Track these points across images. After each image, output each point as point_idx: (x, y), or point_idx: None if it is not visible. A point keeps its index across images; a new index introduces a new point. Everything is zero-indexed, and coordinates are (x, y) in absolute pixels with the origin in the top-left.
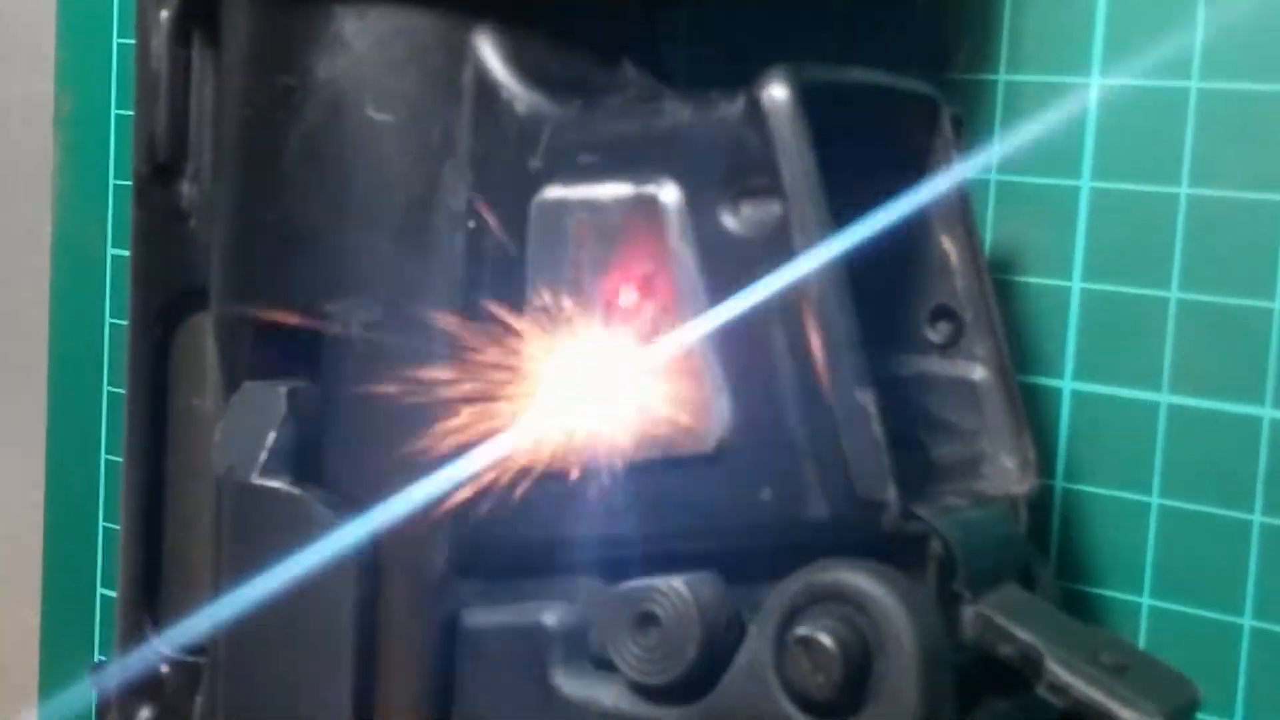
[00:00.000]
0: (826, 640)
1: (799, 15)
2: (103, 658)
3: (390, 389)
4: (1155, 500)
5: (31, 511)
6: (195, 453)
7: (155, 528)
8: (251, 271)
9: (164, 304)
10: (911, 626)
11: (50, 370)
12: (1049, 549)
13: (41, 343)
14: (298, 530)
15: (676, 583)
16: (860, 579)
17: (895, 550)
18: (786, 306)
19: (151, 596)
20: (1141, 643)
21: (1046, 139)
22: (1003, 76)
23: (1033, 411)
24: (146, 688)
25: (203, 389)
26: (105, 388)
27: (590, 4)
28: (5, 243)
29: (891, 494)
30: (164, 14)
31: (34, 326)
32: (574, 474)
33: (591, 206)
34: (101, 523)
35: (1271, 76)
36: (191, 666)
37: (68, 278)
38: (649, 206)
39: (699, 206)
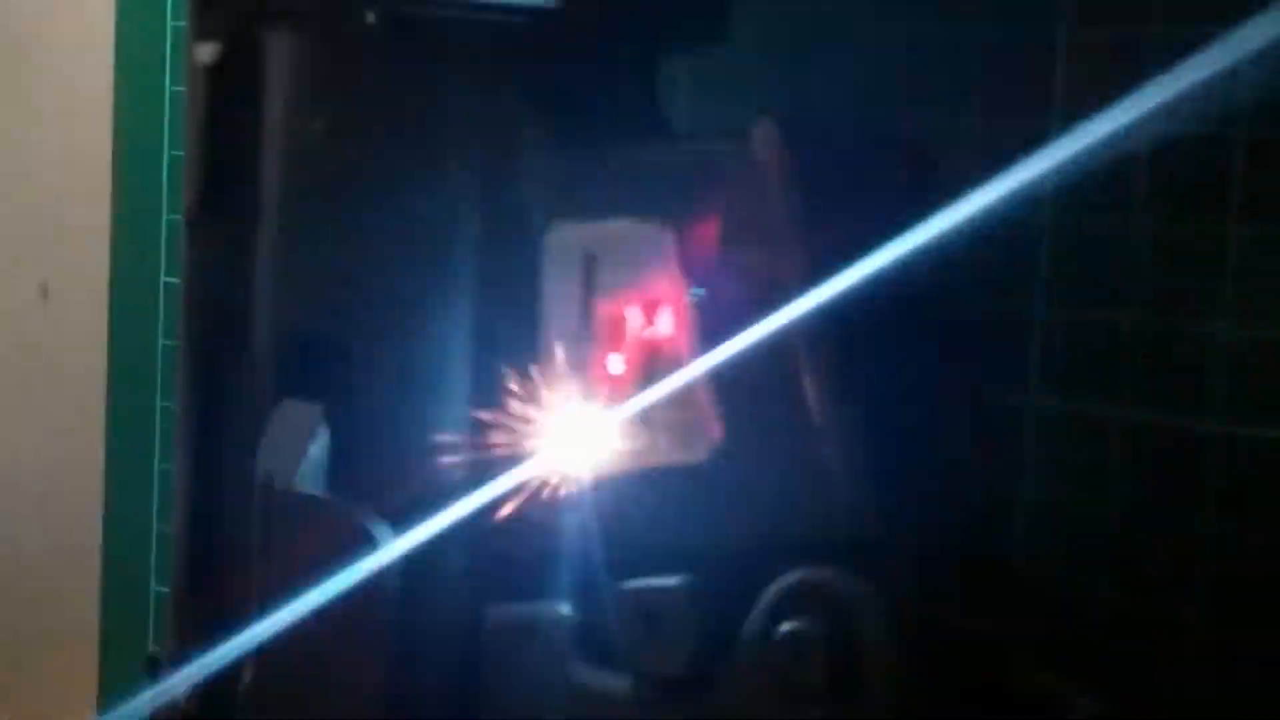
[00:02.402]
0: (811, 634)
1: (790, 65)
2: (156, 648)
3: (411, 406)
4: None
5: (91, 516)
6: (241, 463)
7: (205, 529)
8: (290, 300)
9: (211, 328)
10: (891, 623)
11: (109, 386)
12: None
13: (102, 361)
14: (331, 533)
15: (677, 582)
16: (845, 579)
17: (876, 551)
18: (777, 334)
19: (200, 591)
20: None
21: None
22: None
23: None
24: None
25: (246, 405)
26: (159, 402)
27: (597, 58)
28: (69, 272)
29: (872, 503)
30: (209, 65)
31: (95, 347)
32: (584, 485)
33: (599, 240)
34: (155, 525)
35: None
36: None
37: (125, 304)
38: (651, 241)
39: (696, 240)
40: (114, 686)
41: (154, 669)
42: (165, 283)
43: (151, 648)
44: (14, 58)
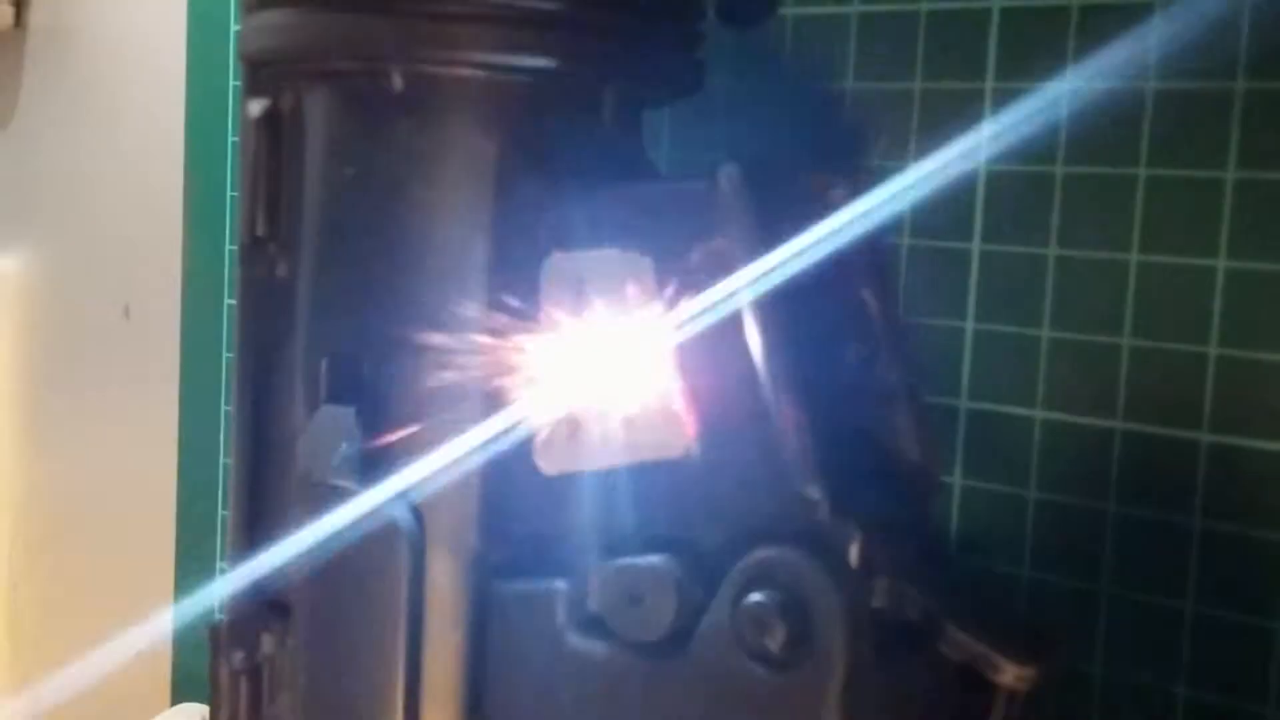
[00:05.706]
0: (772, 607)
1: (751, 119)
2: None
3: (429, 412)
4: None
5: (166, 503)
6: (285, 458)
7: (256, 515)
8: (326, 319)
9: (261, 343)
10: (839, 596)
11: (182, 393)
12: (949, 531)
13: (175, 372)
14: (361, 520)
15: (658, 561)
16: (799, 558)
17: (826, 535)
18: (739, 347)
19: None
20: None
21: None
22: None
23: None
24: (242, 638)
25: (290, 409)
26: (223, 406)
27: (588, 110)
28: (147, 296)
29: (821, 493)
30: (257, 119)
31: (169, 360)
32: (577, 476)
33: (589, 267)
34: (220, 511)
35: None
36: (279, 630)
37: (195, 322)
38: (634, 266)
39: (670, 264)
40: (187, 637)
41: (215, 635)
42: (229, 304)
43: (214, 617)
44: (104, 117)
